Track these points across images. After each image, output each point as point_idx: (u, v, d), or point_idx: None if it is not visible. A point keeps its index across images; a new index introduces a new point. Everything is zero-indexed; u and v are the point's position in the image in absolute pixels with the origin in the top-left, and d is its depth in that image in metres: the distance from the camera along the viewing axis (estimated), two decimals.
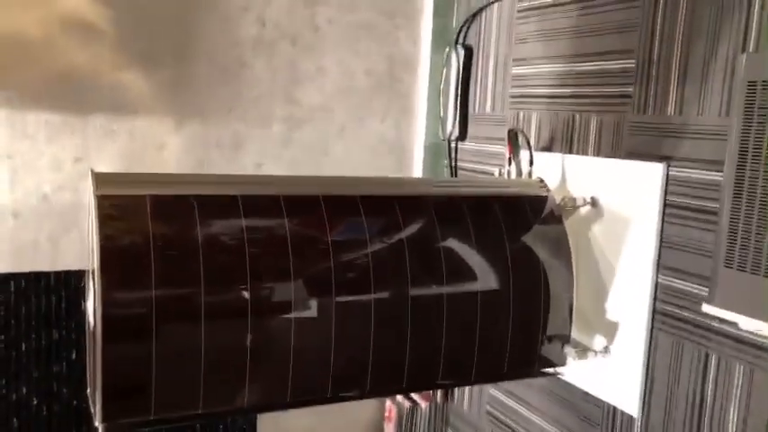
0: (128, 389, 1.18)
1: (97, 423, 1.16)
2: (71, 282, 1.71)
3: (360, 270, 1.39)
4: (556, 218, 1.58)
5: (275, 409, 1.35)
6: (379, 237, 1.42)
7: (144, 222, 1.23)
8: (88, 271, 1.35)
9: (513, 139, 1.67)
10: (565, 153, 1.64)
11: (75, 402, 1.73)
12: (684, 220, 1.36)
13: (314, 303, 1.35)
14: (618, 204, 1.50)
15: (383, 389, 1.47)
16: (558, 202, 1.57)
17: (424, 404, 2.10)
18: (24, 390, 1.67)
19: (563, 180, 1.62)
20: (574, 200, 1.54)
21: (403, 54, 2.07)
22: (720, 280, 1.13)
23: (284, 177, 1.40)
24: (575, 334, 1.56)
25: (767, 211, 1.04)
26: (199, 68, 1.83)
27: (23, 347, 1.66)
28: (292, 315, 1.32)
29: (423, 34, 2.08)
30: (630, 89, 1.48)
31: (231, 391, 1.28)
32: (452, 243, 1.47)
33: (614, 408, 1.53)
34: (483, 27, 1.97)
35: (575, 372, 1.60)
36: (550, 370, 1.58)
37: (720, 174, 1.28)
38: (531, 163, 1.65)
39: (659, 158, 1.41)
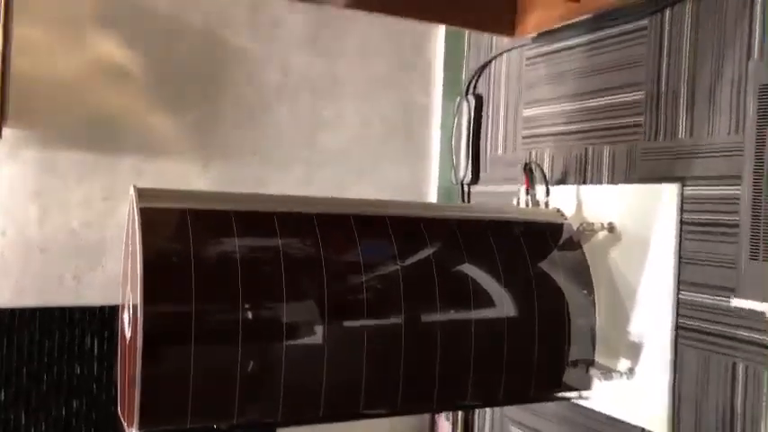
0: (165, 395, 1.19)
1: (134, 429, 1.16)
2: (95, 317, 1.72)
3: (389, 294, 1.42)
4: (575, 243, 1.63)
5: (306, 423, 1.34)
6: (409, 260, 1.46)
7: (184, 235, 1.27)
8: (124, 283, 1.38)
9: (529, 174, 1.74)
10: (579, 185, 1.71)
11: None
12: (702, 236, 1.42)
13: (345, 325, 1.38)
14: (635, 227, 1.56)
15: (412, 407, 1.47)
16: (575, 228, 1.63)
17: None
18: (43, 425, 1.65)
19: (579, 209, 1.68)
20: (591, 225, 1.59)
21: (416, 104, 2.17)
22: (746, 273, 1.17)
23: (316, 198, 1.44)
24: (599, 359, 1.58)
25: None
26: (225, 113, 1.91)
27: (45, 380, 1.66)
28: (320, 334, 1.34)
29: (434, 85, 2.19)
30: (641, 118, 1.57)
31: (266, 404, 1.28)
32: (479, 268, 1.51)
33: (642, 429, 1.53)
34: (492, 77, 2.07)
35: (599, 398, 1.60)
36: (575, 394, 1.59)
37: (734, 187, 1.34)
38: (548, 193, 1.71)
39: (673, 179, 1.48)
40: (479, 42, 2.13)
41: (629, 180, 1.59)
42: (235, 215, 1.32)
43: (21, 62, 1.66)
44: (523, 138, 1.94)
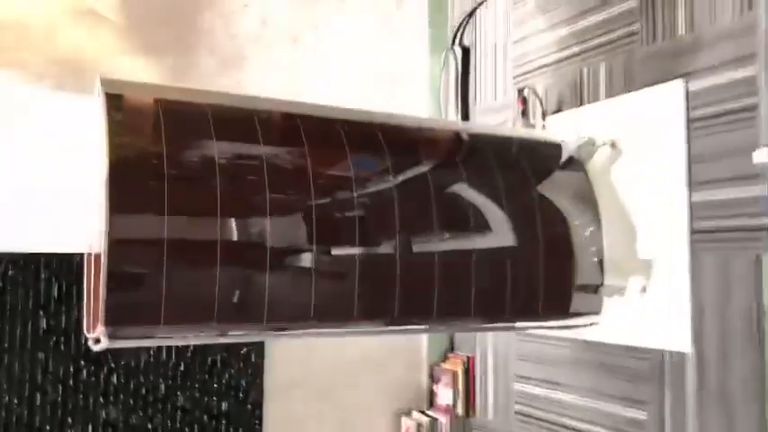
0: (134, 298, 1.06)
1: (99, 328, 1.02)
2: (62, 266, 1.60)
3: (382, 212, 1.31)
4: (576, 162, 1.53)
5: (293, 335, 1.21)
6: (403, 176, 1.34)
7: (156, 130, 1.16)
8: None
9: (523, 101, 1.66)
10: (576, 108, 1.63)
11: (59, 396, 1.55)
12: (710, 129, 1.33)
13: (334, 245, 1.26)
14: (637, 138, 1.47)
15: (409, 324, 1.33)
16: (575, 147, 1.53)
17: (444, 419, 1.92)
18: (4, 380, 1.51)
19: (577, 131, 1.59)
20: (593, 139, 1.50)
21: (401, 58, 2.10)
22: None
23: (302, 103, 1.34)
24: (609, 281, 1.47)
25: None
26: (201, 59, 1.82)
27: (7, 332, 1.52)
28: (306, 253, 1.22)
29: (419, 39, 2.13)
30: (636, 26, 1.50)
31: (250, 314, 1.14)
32: (478, 187, 1.39)
33: (662, 352, 1.41)
34: (478, 25, 2.01)
35: (612, 328, 1.48)
36: (586, 320, 1.47)
37: (746, 68, 1.27)
38: (544, 116, 1.63)
39: (676, 77, 1.40)
40: None
41: (628, 90, 1.51)
42: (212, 113, 1.21)
43: None
44: (514, 78, 1.86)
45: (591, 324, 1.46)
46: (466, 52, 2.05)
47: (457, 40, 2.08)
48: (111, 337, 1.02)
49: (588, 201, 1.51)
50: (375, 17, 2.06)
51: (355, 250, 1.25)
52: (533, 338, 1.75)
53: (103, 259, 1.03)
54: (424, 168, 1.37)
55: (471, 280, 1.36)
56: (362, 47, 2.04)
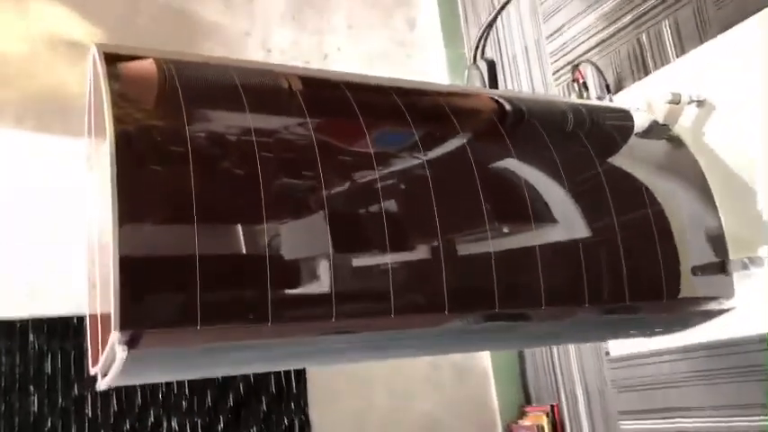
0: (158, 280, 0.76)
1: (113, 335, 0.72)
2: (56, 332, 1.29)
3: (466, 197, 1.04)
4: (662, 126, 1.29)
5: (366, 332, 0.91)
6: (477, 157, 1.09)
7: (173, 103, 0.90)
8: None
9: (582, 73, 1.45)
10: (641, 80, 1.42)
11: None
12: None
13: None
14: (731, 88, 1.24)
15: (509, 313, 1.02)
16: (657, 111, 1.30)
17: None
18: None
19: (650, 101, 1.36)
20: (678, 95, 1.27)
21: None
22: None
23: (348, 73, 1.11)
24: (735, 257, 1.19)
25: None
26: None
27: None
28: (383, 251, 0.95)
29: (436, 59, 1.95)
30: None
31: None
32: (559, 165, 1.14)
33: None
34: (500, 33, 1.84)
35: (740, 318, 1.19)
36: (714, 304, 1.18)
37: None
38: (609, 89, 1.41)
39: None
40: (476, 6, 1.92)
41: (705, 39, 1.31)
42: (238, 75, 0.97)
43: None
44: (555, 72, 1.66)
45: (725, 310, 1.17)
46: (491, 64, 1.87)
47: (479, 55, 1.90)
48: (129, 345, 0.72)
49: (688, 166, 1.26)
50: (387, 42, 1.88)
51: (436, 237, 0.98)
52: (628, 360, 1.45)
53: (114, 242, 0.75)
54: (504, 147, 1.12)
55: (581, 264, 1.08)
56: (376, 71, 1.84)
